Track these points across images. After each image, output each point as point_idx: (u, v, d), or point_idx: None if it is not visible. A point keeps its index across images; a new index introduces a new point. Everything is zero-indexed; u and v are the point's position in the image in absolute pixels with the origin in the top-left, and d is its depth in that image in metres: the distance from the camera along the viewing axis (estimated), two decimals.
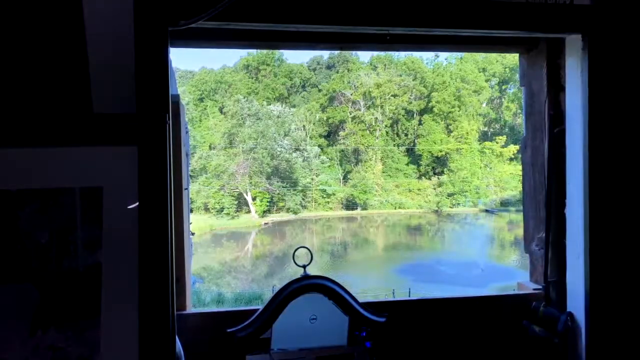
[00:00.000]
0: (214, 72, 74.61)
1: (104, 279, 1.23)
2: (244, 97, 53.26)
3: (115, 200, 1.26)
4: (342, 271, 25.82)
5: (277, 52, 74.26)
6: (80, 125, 1.27)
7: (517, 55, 2.23)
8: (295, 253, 1.83)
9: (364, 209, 58.76)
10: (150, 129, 1.28)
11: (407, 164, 69.32)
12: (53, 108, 1.36)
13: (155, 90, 1.33)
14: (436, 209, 57.17)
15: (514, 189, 56.32)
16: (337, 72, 74.58)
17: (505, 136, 63.49)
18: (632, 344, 1.75)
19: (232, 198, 48.26)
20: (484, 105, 71.48)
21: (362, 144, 64.50)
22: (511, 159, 61.11)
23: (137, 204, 1.27)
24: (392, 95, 68.09)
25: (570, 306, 1.88)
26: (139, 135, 1.28)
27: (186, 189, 1.80)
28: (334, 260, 30.56)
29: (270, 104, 56.85)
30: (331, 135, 74.93)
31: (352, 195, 58.04)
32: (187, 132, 1.92)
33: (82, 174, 1.26)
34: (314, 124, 70.65)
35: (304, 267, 1.75)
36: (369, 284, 21.89)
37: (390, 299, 2.46)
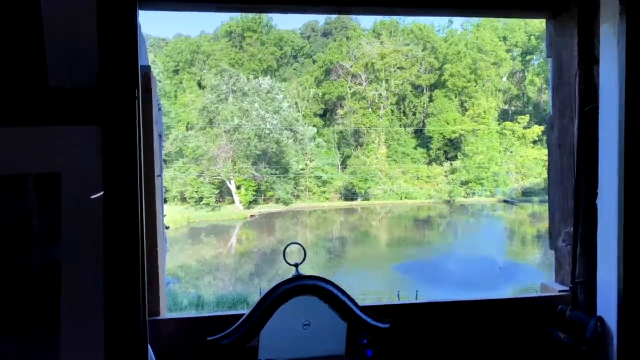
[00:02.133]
0: (191, 40, 74.05)
1: (64, 279, 1.22)
2: (227, 69, 52.80)
3: (76, 189, 1.24)
4: (339, 270, 25.97)
5: (265, 17, 73.66)
6: (33, 101, 1.25)
7: (544, 21, 2.20)
8: (286, 250, 1.83)
9: (365, 199, 58.91)
10: (117, 106, 1.27)
11: (415, 148, 69.36)
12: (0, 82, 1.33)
13: (122, 61, 1.30)
14: (448, 199, 57.41)
15: (537, 176, 56.66)
16: (335, 41, 74.27)
17: (528, 115, 63.67)
18: None
19: (213, 186, 48.24)
20: (504, 79, 71.52)
21: (363, 124, 64.43)
22: (535, 142, 61.37)
23: (102, 193, 1.26)
24: (398, 68, 67.89)
25: (600, 310, 1.89)
26: (103, 114, 1.26)
27: (159, 175, 1.79)
28: (331, 258, 30.72)
29: (257, 77, 56.41)
30: (327, 113, 74.80)
31: (351, 183, 58.11)
32: (159, 110, 1.90)
33: (37, 158, 1.24)
34: (307, 100, 70.42)
35: (296, 265, 1.75)
36: (370, 285, 22.01)
37: (395, 302, 2.48)
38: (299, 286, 1.68)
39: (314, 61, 75.64)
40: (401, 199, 58.76)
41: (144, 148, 1.37)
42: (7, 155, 1.24)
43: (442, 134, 64.03)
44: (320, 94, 70.41)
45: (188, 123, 58.54)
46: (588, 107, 1.97)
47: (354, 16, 66.99)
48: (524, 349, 2.03)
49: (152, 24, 68.51)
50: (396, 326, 1.88)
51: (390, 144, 67.80)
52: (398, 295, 18.81)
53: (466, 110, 65.60)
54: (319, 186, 57.46)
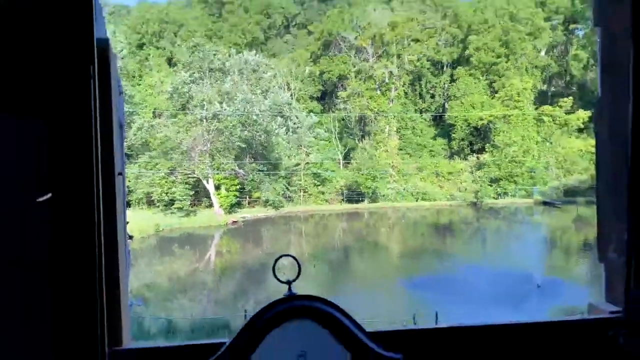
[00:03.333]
0: (159, 8, 74.05)
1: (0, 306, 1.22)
2: (202, 43, 52.80)
3: (16, 191, 1.24)
4: (342, 289, 26.03)
5: None
6: None
7: None
8: (277, 264, 1.83)
9: (373, 201, 58.90)
10: (66, 91, 1.26)
11: (433, 138, 69.47)
12: None
13: (73, 33, 1.30)
14: (474, 200, 57.40)
15: (583, 171, 56.80)
16: (335, 7, 74.38)
17: (572, 98, 63.85)
18: None
19: (187, 186, 48.21)
20: (542, 53, 71.74)
21: (371, 110, 64.50)
22: (580, 130, 61.52)
23: (49, 195, 1.25)
24: (412, 40, 68.06)
25: None
26: (48, 100, 1.26)
27: (120, 174, 1.78)
28: (332, 273, 30.76)
29: (240, 53, 56.43)
30: (326, 97, 74.93)
31: (356, 182, 58.03)
32: (120, 94, 1.89)
33: None
34: (302, 81, 70.49)
35: (289, 283, 1.75)
36: (380, 307, 22.01)
37: (410, 326, 2.48)
38: (293, 308, 1.68)
39: (310, 32, 75.72)
40: (417, 200, 58.86)
41: (100, 141, 1.37)
42: None
43: (466, 120, 64.19)
44: (318, 72, 70.50)
45: (156, 109, 58.54)
46: None
47: None
48: None
49: None
50: (411, 357, 1.87)
51: (403, 134, 67.90)
52: (414, 319, 18.85)
53: (496, 91, 65.80)
54: (317, 186, 57.53)
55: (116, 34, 59.43)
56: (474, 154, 63.22)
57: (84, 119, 1.31)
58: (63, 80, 1.28)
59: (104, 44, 1.63)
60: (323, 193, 57.59)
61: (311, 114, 62.29)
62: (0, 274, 1.28)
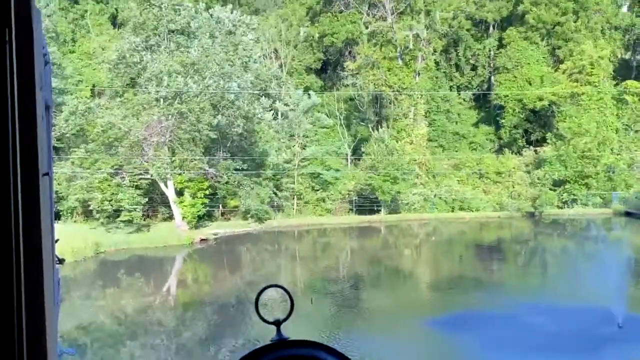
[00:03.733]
0: None
1: None
2: None
3: None
4: (350, 332, 25.98)
5: None
6: None
7: None
8: (262, 298, 1.83)
9: (393, 211, 58.67)
10: None
11: (475, 125, 69.38)
12: None
13: None
14: (532, 210, 57.20)
15: None
16: None
17: None
18: None
19: (138, 192, 47.90)
20: (624, 9, 71.79)
21: (390, 87, 64.40)
22: None
23: None
24: None
25: None
26: None
27: (46, 174, 1.78)
28: (335, 311, 30.71)
29: (211, 8, 56.20)
30: (329, 68, 74.99)
31: (369, 185, 57.70)
32: (47, 64, 1.89)
33: None
34: (295, 46, 70.50)
35: (278, 324, 1.75)
36: (402, 355, 22.01)
37: None
38: (284, 358, 1.69)
39: None
40: (452, 210, 58.73)
41: (19, 129, 1.37)
42: None
43: (520, 101, 64.12)
44: (317, 35, 70.50)
45: (95, 85, 58.53)
46: None
47: None
48: None
49: None
50: None
51: (433, 119, 67.80)
52: None
53: (561, 61, 65.82)
54: (316, 190, 57.44)
55: None
56: (531, 147, 63.25)
57: None
58: None
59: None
60: (324, 200, 57.62)
61: (309, 92, 62.34)
62: None
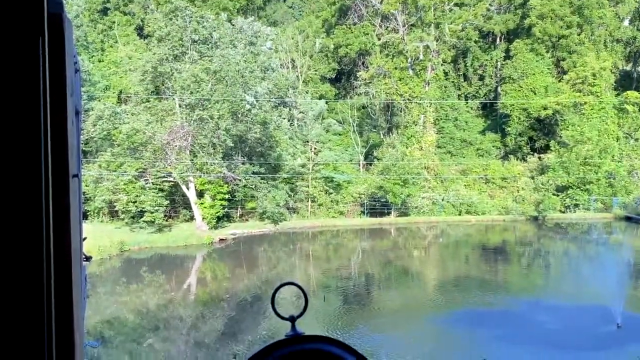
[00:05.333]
0: None
1: None
2: (183, 7, 53.01)
3: None
4: (361, 328, 25.99)
5: None
6: None
7: None
8: (277, 295, 1.83)
9: (403, 213, 58.53)
10: (6, 70, 1.27)
11: (482, 132, 69.20)
12: None
13: None
14: (536, 214, 56.83)
15: None
16: None
17: None
18: None
19: (161, 193, 48.17)
20: (626, 23, 71.41)
21: (401, 95, 64.33)
22: None
23: None
24: (455, 5, 68.01)
25: None
26: None
27: (75, 176, 1.79)
28: (348, 308, 30.73)
29: (231, 20, 56.39)
30: (343, 78, 74.99)
31: (380, 188, 57.56)
32: (77, 72, 1.90)
33: None
34: (311, 57, 70.54)
35: (293, 320, 1.75)
36: (413, 351, 22.05)
37: None
38: (298, 352, 1.68)
39: None
40: (460, 214, 58.49)
41: (51, 133, 1.38)
42: None
43: (525, 110, 63.84)
44: (332, 46, 70.55)
45: (122, 92, 58.78)
46: None
47: None
48: None
49: None
50: None
51: (442, 127, 67.68)
52: None
53: (564, 72, 65.54)
54: (329, 193, 57.39)
55: None
56: (535, 154, 62.99)
57: (29, 105, 1.32)
58: (2, 57, 1.29)
59: (57, 9, 1.64)
60: (337, 203, 57.57)
61: (323, 100, 62.35)
62: None
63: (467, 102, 69.95)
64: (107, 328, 27.57)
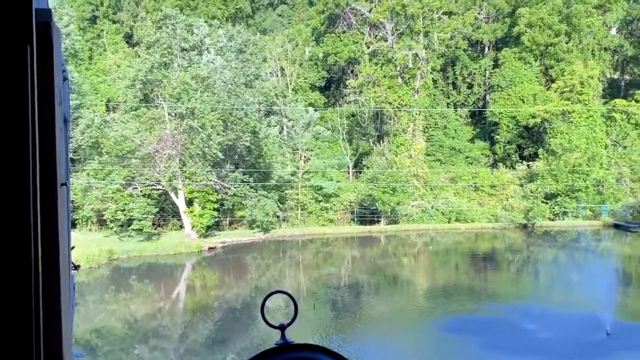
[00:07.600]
0: None
1: None
2: (172, 15, 52.99)
3: None
4: (351, 336, 25.99)
5: None
6: None
7: None
8: (267, 303, 1.83)
9: (392, 221, 58.55)
10: None
11: (471, 140, 69.30)
12: None
13: (4, 1, 1.31)
14: (525, 222, 56.98)
15: None
16: None
17: None
18: None
19: (149, 202, 48.05)
20: (613, 31, 71.84)
21: (389, 103, 64.48)
22: None
23: None
24: (444, 14, 68.26)
25: None
26: None
27: (63, 184, 1.79)
28: (337, 316, 30.73)
29: (220, 28, 56.42)
30: (332, 86, 75.04)
31: (369, 196, 57.61)
32: (65, 80, 1.89)
33: None
34: (301, 65, 70.58)
35: (282, 328, 1.75)
36: (398, 357, 22.04)
37: None
38: None
39: (311, 3, 76.02)
40: (449, 221, 58.62)
41: (39, 141, 1.37)
42: None
43: (514, 118, 64.12)
44: (321, 54, 70.63)
45: (110, 100, 58.64)
46: None
47: None
48: None
49: None
50: None
51: (431, 135, 67.78)
52: None
53: (552, 80, 65.83)
54: (319, 201, 57.36)
55: (63, 5, 59.80)
56: (524, 162, 63.18)
57: (18, 114, 1.32)
58: None
59: (46, 16, 1.64)
60: (327, 211, 57.53)
61: (311, 108, 62.37)
62: None
63: (456, 110, 70.11)
64: (95, 337, 27.45)
